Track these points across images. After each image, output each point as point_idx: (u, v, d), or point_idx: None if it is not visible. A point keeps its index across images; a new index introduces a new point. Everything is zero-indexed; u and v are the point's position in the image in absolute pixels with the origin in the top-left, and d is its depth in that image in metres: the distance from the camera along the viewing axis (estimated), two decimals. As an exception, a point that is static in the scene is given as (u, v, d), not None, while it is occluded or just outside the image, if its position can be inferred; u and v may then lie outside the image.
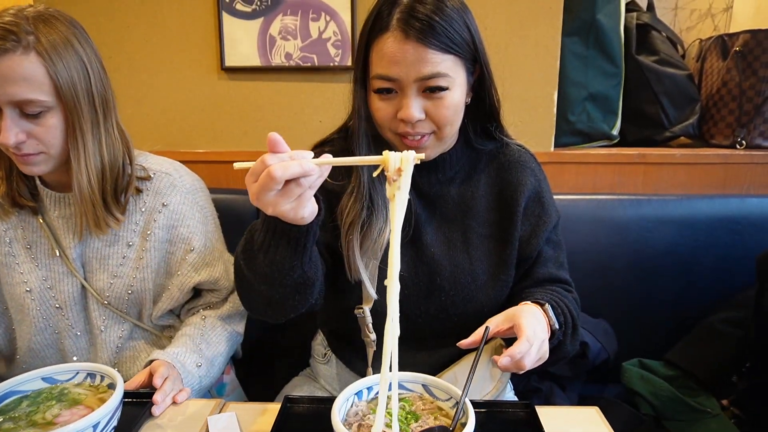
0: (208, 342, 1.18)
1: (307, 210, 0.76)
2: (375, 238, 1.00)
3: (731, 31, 1.98)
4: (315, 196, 0.78)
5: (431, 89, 0.92)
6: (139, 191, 1.13)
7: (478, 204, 1.09)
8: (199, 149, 1.79)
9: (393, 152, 0.68)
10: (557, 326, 0.96)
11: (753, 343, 1.34)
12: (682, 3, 2.12)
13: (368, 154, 1.01)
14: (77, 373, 0.93)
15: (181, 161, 1.77)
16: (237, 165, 0.73)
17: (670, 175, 1.71)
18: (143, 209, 1.14)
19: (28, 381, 0.90)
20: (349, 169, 1.03)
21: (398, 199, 0.69)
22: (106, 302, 1.16)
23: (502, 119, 1.09)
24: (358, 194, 1.01)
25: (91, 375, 0.93)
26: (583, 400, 1.50)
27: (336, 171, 0.98)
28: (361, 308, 1.07)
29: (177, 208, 1.15)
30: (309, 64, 1.69)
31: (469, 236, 1.08)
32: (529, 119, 1.69)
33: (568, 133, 1.77)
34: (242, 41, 1.69)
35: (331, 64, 1.68)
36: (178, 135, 1.79)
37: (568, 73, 1.72)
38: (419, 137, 0.96)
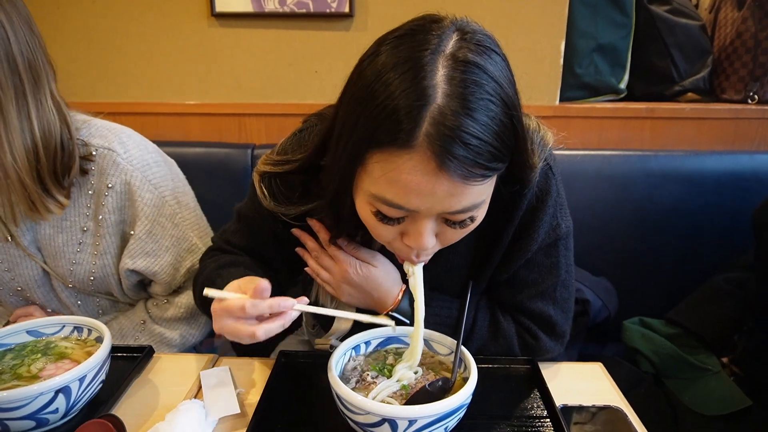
0: None
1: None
2: None
3: (747, -21, 1.88)
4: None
5: (455, 223, 0.70)
6: (84, 172, 1.00)
7: (464, 242, 0.83)
8: (189, 101, 1.72)
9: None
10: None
11: (753, 300, 1.32)
12: (696, -50, 2.02)
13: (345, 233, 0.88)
14: (63, 326, 0.90)
15: (169, 114, 1.73)
16: (207, 292, 0.72)
17: (678, 131, 1.66)
18: (90, 192, 1.02)
19: (12, 334, 0.87)
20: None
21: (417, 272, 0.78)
22: (71, 285, 1.10)
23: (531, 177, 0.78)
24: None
25: (78, 328, 0.89)
26: (582, 359, 1.48)
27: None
28: (327, 343, 0.98)
29: (122, 188, 1.02)
30: (304, 10, 1.60)
31: (452, 274, 0.94)
32: (534, 72, 1.62)
33: (574, 86, 1.70)
34: (233, -15, 1.59)
35: (328, 11, 1.59)
36: (166, 86, 1.71)
37: (576, 22, 1.64)
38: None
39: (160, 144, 1.21)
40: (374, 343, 0.86)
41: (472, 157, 0.60)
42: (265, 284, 0.70)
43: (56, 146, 0.94)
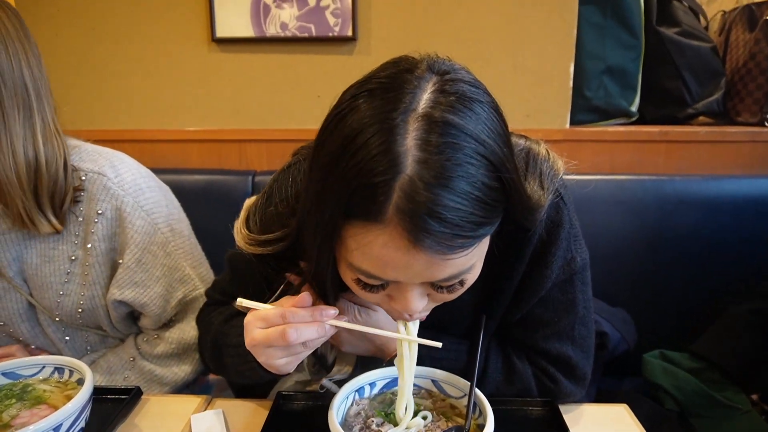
0: None
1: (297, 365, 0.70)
2: None
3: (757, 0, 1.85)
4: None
5: (444, 288, 0.64)
6: (75, 201, 0.96)
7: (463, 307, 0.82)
8: (189, 127, 1.68)
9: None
10: None
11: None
12: (702, -27, 2.00)
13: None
14: (43, 367, 0.83)
15: (169, 140, 1.69)
16: (241, 302, 0.68)
17: (693, 154, 1.60)
18: (80, 218, 0.98)
19: (-14, 377, 0.80)
20: None
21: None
22: (57, 319, 1.04)
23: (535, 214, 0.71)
24: None
25: (59, 369, 0.83)
26: (601, 394, 1.41)
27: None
28: (324, 388, 0.88)
29: (113, 215, 0.98)
30: (306, 35, 1.58)
31: (460, 315, 0.86)
32: (542, 94, 1.57)
33: (584, 109, 1.66)
34: (234, 10, 1.57)
35: (330, 34, 1.57)
36: (166, 112, 1.68)
37: (584, 44, 1.60)
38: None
39: (159, 171, 1.16)
40: (380, 385, 0.79)
41: (449, 230, 0.53)
42: (307, 296, 0.65)
43: (57, 170, 0.93)
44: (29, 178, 0.90)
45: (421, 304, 0.65)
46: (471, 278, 0.64)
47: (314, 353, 1.01)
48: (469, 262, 0.60)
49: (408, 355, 0.71)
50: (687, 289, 1.50)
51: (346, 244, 0.59)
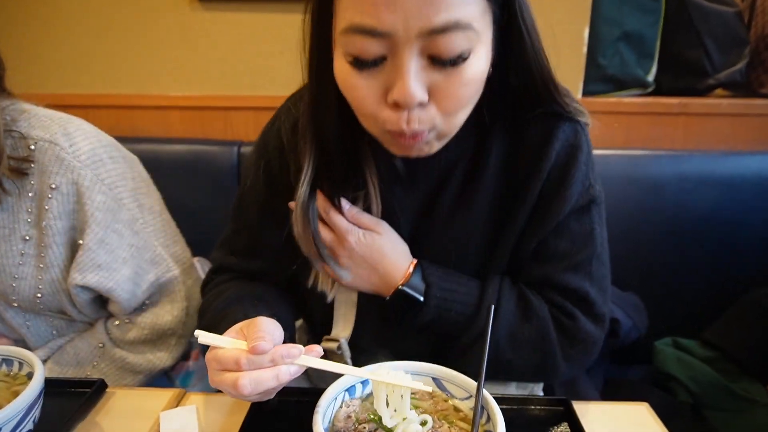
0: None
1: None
2: None
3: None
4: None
5: (445, 61, 0.60)
6: (19, 173, 0.84)
7: (482, 200, 0.79)
8: (171, 92, 1.57)
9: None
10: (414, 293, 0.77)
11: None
12: (726, -66, 1.86)
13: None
14: (-11, 358, 0.73)
15: (148, 107, 1.56)
16: (199, 336, 0.59)
17: (714, 129, 1.50)
18: (31, 194, 0.86)
19: None
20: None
21: None
22: (15, 305, 0.94)
23: (552, 84, 0.73)
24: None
25: (7, 361, 0.73)
26: (608, 384, 1.33)
27: None
28: (336, 340, 0.84)
29: (69, 189, 0.86)
30: (297, -8, 1.45)
31: (466, 241, 0.81)
32: (554, 61, 1.42)
33: (597, 78, 1.54)
34: (218, -37, 1.44)
35: (324, -8, 1.44)
36: (144, 76, 1.56)
37: (599, 7, 1.48)
38: (416, 136, 0.65)
39: (137, 140, 1.06)
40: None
41: None
42: (264, 346, 0.57)
43: None
44: None
45: (419, 87, 0.60)
46: (472, 56, 0.61)
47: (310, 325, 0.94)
48: (464, 9, 0.58)
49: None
50: (704, 272, 1.42)
51: (337, 10, 0.60)
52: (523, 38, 0.67)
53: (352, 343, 0.85)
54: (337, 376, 0.67)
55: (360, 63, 0.61)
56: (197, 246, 1.16)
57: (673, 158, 1.42)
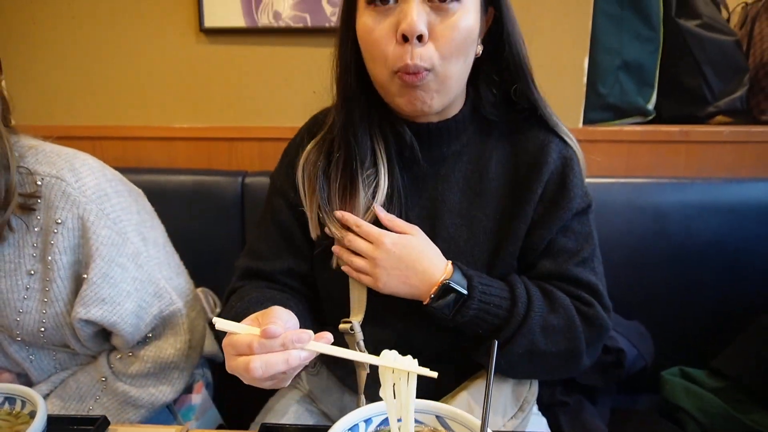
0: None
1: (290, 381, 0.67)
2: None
3: (781, -8, 1.75)
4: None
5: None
6: (28, 209, 0.85)
7: (488, 190, 0.90)
8: (175, 124, 1.58)
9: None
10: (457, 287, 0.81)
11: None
12: (722, -36, 1.89)
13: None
14: (-8, 397, 0.73)
15: (154, 138, 1.58)
16: (217, 323, 0.62)
17: (716, 156, 1.50)
18: (37, 228, 0.87)
19: (-76, 409, 0.70)
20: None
21: None
22: (18, 339, 0.94)
23: (531, 81, 0.90)
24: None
25: (10, 399, 0.72)
26: (615, 414, 1.31)
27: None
28: (350, 322, 0.88)
29: (75, 224, 0.87)
30: (301, 25, 1.47)
31: (475, 230, 0.89)
32: (554, 90, 1.44)
33: (598, 107, 1.55)
34: (224, -2, 1.46)
35: (327, 25, 1.46)
36: (150, 107, 1.57)
37: (599, 37, 1.49)
38: (418, 72, 0.77)
39: (143, 171, 1.06)
40: (376, 421, 0.69)
41: None
42: (275, 329, 0.60)
43: None
44: None
45: (421, 20, 0.74)
46: (461, 15, 0.76)
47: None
48: None
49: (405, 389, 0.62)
50: (709, 299, 1.41)
51: None
52: (502, 24, 0.84)
53: (364, 327, 0.88)
54: (342, 412, 0.67)
55: (375, 5, 0.77)
56: (201, 275, 1.17)
57: (675, 186, 1.42)
